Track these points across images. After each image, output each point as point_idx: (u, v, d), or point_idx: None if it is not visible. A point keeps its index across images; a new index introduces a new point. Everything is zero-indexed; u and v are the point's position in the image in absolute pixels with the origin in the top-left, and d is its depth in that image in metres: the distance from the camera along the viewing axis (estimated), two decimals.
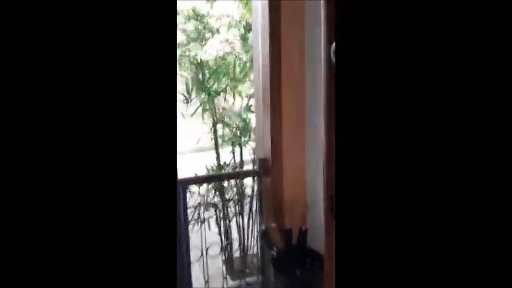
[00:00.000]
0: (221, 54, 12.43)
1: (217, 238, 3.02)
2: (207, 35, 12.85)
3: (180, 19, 12.55)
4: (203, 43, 13.18)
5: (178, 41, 12.57)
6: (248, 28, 13.29)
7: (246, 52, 13.78)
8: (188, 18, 12.48)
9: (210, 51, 12.40)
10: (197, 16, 12.51)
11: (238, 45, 12.83)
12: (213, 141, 3.66)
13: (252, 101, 3.56)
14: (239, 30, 12.99)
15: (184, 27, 12.53)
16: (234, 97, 3.70)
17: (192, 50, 13.17)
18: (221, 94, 3.58)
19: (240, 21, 12.98)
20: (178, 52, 13.14)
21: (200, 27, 12.68)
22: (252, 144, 3.40)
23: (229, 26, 12.43)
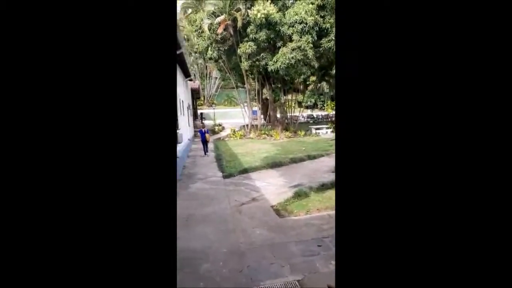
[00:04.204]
0: (292, 62, 11.87)
1: None
2: (278, 43, 12.47)
3: (252, 29, 12.46)
4: (275, 51, 12.79)
5: (249, 51, 12.37)
6: (320, 33, 12.56)
7: (317, 59, 12.99)
8: (260, 28, 12.31)
9: (281, 60, 11.95)
10: (270, 25, 12.23)
11: (310, 52, 12.13)
12: None
13: None
14: (311, 36, 12.28)
15: (255, 36, 12.38)
16: None
17: (262, 60, 12.94)
18: None
19: (313, 28, 12.30)
20: (248, 63, 13.05)
21: (272, 35, 12.36)
22: None
23: (302, 33, 11.79)
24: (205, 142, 10.69)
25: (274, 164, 8.12)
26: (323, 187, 5.63)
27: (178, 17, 17.85)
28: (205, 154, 10.48)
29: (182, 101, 10.61)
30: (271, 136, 14.59)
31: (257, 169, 7.74)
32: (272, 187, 6.01)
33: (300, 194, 5.24)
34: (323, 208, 4.59)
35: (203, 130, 10.90)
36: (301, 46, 11.95)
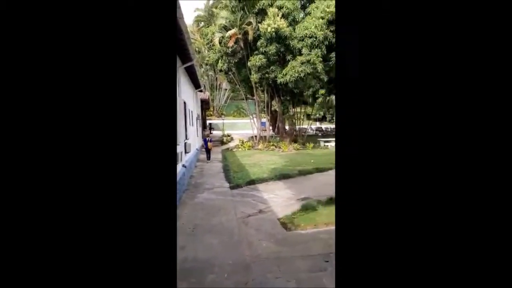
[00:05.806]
0: (302, 75, 11.99)
1: None
2: (288, 57, 12.66)
3: (262, 42, 12.71)
4: (284, 65, 12.94)
5: (259, 63, 12.55)
6: (330, 47, 12.71)
7: (326, 72, 13.09)
8: (270, 41, 12.56)
9: (291, 73, 12.09)
10: (279, 39, 12.47)
11: (319, 66, 12.26)
12: None
13: None
14: (321, 50, 12.44)
15: (265, 50, 12.61)
16: None
17: (272, 73, 13.12)
18: None
19: (323, 42, 12.47)
20: (258, 75, 13.23)
21: (282, 49, 12.58)
22: None
23: (312, 47, 11.97)
24: (208, 150, 12.11)
25: (281, 176, 8.07)
26: (331, 201, 5.55)
27: (190, 30, 18.31)
28: (207, 160, 11.78)
29: (192, 112, 10.76)
30: (280, 148, 14.57)
31: (264, 180, 7.71)
32: (280, 199, 5.96)
33: (307, 208, 5.18)
34: (331, 222, 4.52)
35: (207, 139, 12.77)
36: (310, 60, 12.07)
